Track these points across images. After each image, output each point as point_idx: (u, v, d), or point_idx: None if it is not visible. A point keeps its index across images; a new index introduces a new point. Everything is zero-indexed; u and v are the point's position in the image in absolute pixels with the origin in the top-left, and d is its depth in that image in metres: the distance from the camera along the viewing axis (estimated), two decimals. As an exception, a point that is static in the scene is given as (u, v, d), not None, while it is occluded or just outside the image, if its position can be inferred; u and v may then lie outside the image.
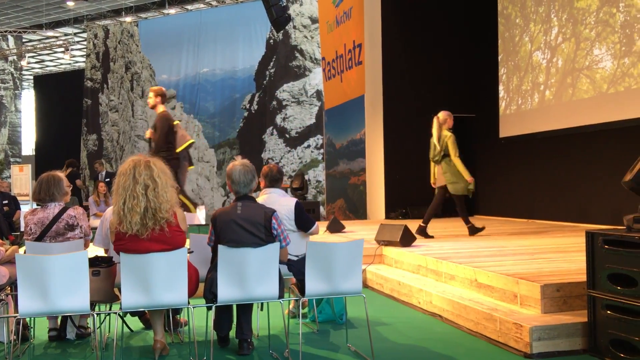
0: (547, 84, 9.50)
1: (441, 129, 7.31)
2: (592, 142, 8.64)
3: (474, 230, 7.58)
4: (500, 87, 10.70)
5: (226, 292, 3.70)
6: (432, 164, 7.54)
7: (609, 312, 3.66)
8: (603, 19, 8.30)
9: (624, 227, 3.71)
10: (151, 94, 7.42)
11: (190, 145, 7.47)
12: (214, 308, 3.83)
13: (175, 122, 7.40)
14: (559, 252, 5.86)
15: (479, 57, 11.39)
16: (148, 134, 7.49)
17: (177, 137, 7.29)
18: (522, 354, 3.83)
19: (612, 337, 3.64)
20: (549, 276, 4.44)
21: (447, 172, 7.27)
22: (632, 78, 7.81)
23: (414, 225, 7.51)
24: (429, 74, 11.52)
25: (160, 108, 7.36)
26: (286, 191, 5.11)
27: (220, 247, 3.70)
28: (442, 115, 7.42)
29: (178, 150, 7.27)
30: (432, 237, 7.38)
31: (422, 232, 7.39)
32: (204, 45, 20.41)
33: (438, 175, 7.39)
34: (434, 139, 7.37)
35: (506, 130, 10.57)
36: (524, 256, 5.61)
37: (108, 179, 11.65)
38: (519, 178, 10.27)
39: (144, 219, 3.63)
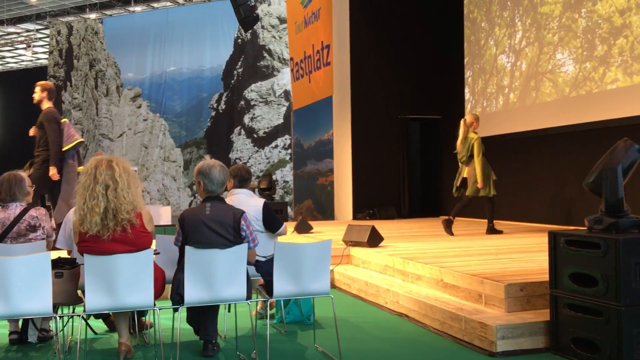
0: (511, 87, 9.68)
1: (468, 131, 7.59)
2: (554, 145, 8.84)
3: (492, 231, 7.89)
4: (466, 90, 10.86)
5: (193, 294, 3.66)
6: (460, 165, 7.81)
7: (570, 311, 3.75)
8: (566, 24, 8.50)
9: (586, 228, 3.80)
10: (37, 89, 7.12)
11: (79, 145, 7.31)
12: (180, 309, 3.79)
13: (62, 120, 7.25)
14: (522, 252, 5.97)
15: (446, 59, 11.55)
16: (32, 131, 7.26)
17: (63, 135, 7.12)
18: (487, 352, 3.89)
19: (573, 336, 3.73)
20: (513, 276, 4.53)
21: (472, 173, 7.59)
22: (593, 82, 8.02)
23: (381, 225, 7.57)
24: (397, 75, 11.63)
25: (46, 104, 7.11)
26: (254, 191, 5.09)
27: (187, 248, 3.66)
28: (469, 118, 7.71)
29: (65, 149, 7.10)
30: (501, 232, 7.83)
31: (492, 230, 7.82)
32: (171, 44, 20.19)
33: (468, 175, 7.67)
34: (458, 140, 7.67)
35: (472, 132, 10.72)
36: (488, 256, 5.70)
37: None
38: (484, 179, 10.42)
39: (104, 220, 3.57)
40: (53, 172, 6.96)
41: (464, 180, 7.70)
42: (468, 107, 10.82)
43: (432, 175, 11.97)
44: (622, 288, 3.44)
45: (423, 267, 5.29)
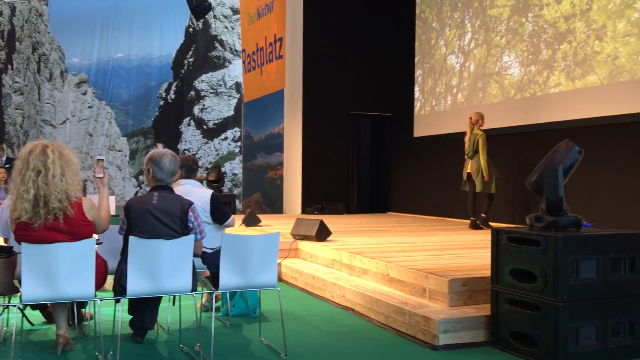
0: (459, 87, 9.88)
1: (473, 127, 7.93)
2: (499, 145, 9.06)
3: (474, 226, 8.08)
4: (416, 88, 11.02)
5: (136, 285, 3.58)
6: (466, 159, 8.10)
7: (510, 305, 3.86)
8: (513, 28, 8.73)
9: (527, 226, 3.91)
10: None
11: None
12: (122, 301, 3.70)
13: None
14: (466, 248, 6.11)
15: (397, 57, 11.68)
16: None
17: None
18: (429, 346, 3.97)
19: (512, 330, 3.84)
20: (456, 271, 4.63)
21: (477, 168, 7.88)
22: (537, 85, 8.27)
23: (329, 220, 7.60)
24: (349, 71, 11.69)
25: None
26: (202, 183, 5.02)
27: (131, 238, 3.57)
28: (474, 115, 8.01)
29: None
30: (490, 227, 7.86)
31: (485, 222, 7.97)
32: (119, 30, 19.63)
33: (472, 169, 7.96)
34: (466, 137, 8.03)
35: (420, 130, 10.90)
36: (433, 252, 5.81)
37: (8, 165, 10.97)
38: (431, 177, 10.63)
39: (35, 207, 3.45)
40: None
41: (469, 175, 8.03)
42: (417, 105, 10.98)
43: (381, 171, 12.10)
44: (560, 284, 3.56)
45: (370, 262, 5.34)
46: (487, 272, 4.19)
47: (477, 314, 4.09)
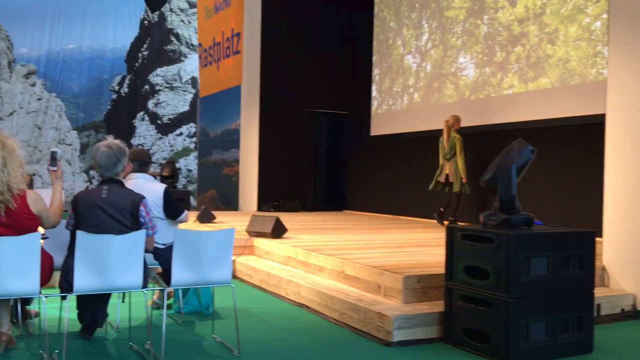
0: (416, 87, 9.98)
1: (450, 131, 8.02)
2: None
3: (440, 219, 8.23)
4: (373, 87, 11.07)
5: (83, 281, 3.45)
6: (441, 161, 8.19)
7: (463, 302, 3.90)
8: (469, 30, 8.86)
9: (481, 223, 3.96)
10: None
11: None
12: (69, 298, 3.56)
13: None
14: (420, 246, 6.17)
15: (356, 56, 11.71)
16: None
17: None
18: (384, 342, 3.97)
19: (465, 326, 3.88)
20: (411, 268, 4.65)
21: (455, 170, 7.99)
22: (491, 87, 8.41)
23: (285, 217, 7.55)
24: (307, 68, 11.66)
25: None
26: (155, 179, 4.89)
27: (79, 232, 3.44)
28: (450, 119, 8.09)
29: None
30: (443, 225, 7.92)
31: (441, 218, 8.17)
32: (71, 20, 19.06)
33: (450, 171, 8.04)
34: (444, 140, 8.11)
35: (377, 129, 10.96)
36: (388, 249, 5.84)
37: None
38: (387, 176, 10.70)
39: None
40: None
41: (447, 177, 8.09)
42: (375, 104, 11.04)
43: (338, 169, 12.11)
44: (512, 281, 3.61)
45: (325, 259, 5.32)
46: (442, 269, 4.23)
47: (431, 311, 4.12)
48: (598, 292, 4.33)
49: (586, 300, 3.91)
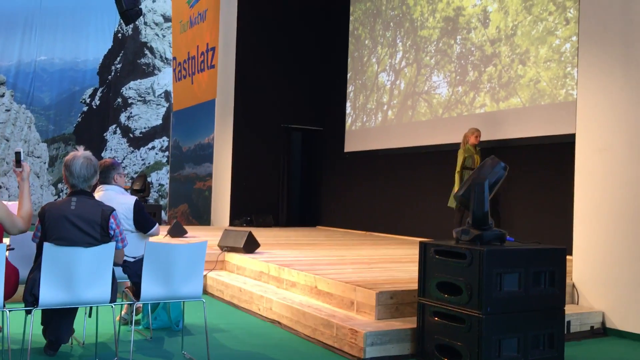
0: (390, 104, 10.06)
1: (462, 144, 7.64)
2: (427, 162, 9.28)
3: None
4: (348, 104, 11.13)
5: (49, 295, 3.35)
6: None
7: (436, 318, 3.90)
8: (442, 49, 8.99)
9: (454, 239, 3.98)
10: None
11: None
12: (34, 312, 3.45)
13: None
14: (394, 262, 6.16)
15: (330, 72, 11.77)
16: None
17: None
18: (356, 358, 3.93)
19: (437, 342, 3.87)
20: (384, 284, 4.64)
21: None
22: (464, 105, 8.52)
23: (258, 233, 7.49)
24: (282, 84, 11.67)
25: None
26: (126, 191, 4.80)
27: (46, 244, 3.35)
28: (467, 132, 7.69)
29: None
30: None
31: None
32: (43, 31, 18.81)
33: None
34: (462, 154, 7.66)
35: (351, 145, 11.00)
36: (361, 265, 5.82)
37: None
38: (360, 192, 10.72)
39: None
40: None
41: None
42: (349, 121, 11.09)
43: (311, 185, 12.10)
44: (484, 297, 3.62)
45: (298, 274, 5.28)
46: (415, 285, 4.22)
47: (403, 327, 4.10)
48: (568, 309, 4.37)
49: (557, 317, 3.94)
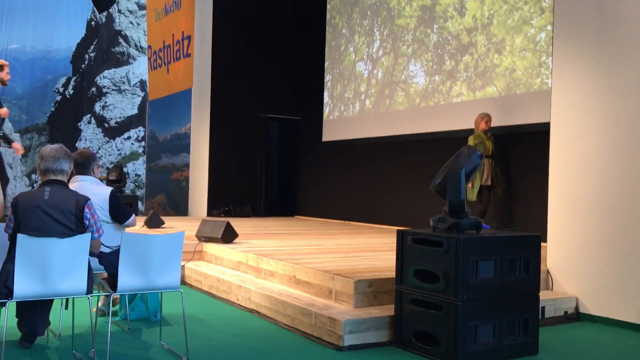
0: (367, 93, 10.07)
1: (475, 130, 7.24)
2: (405, 151, 9.33)
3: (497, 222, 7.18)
4: (325, 93, 11.11)
5: (24, 287, 3.31)
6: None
7: (413, 306, 3.93)
8: (419, 38, 9.01)
9: (431, 227, 4.01)
10: None
11: None
12: (8, 304, 3.40)
13: None
14: (372, 251, 6.20)
15: (308, 61, 11.73)
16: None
17: None
18: (334, 347, 3.96)
19: (414, 329, 3.91)
20: (362, 272, 4.67)
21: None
22: (440, 94, 8.57)
23: (236, 223, 7.48)
24: (259, 73, 11.60)
25: None
26: (102, 182, 4.73)
27: (19, 236, 3.30)
28: (477, 117, 7.30)
29: None
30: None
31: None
32: (14, 19, 18.39)
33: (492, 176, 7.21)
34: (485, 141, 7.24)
35: (329, 134, 11.00)
36: (340, 254, 5.84)
37: None
38: (338, 181, 10.74)
39: None
40: None
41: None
42: (326, 110, 11.08)
43: (289, 175, 12.08)
44: (461, 284, 3.66)
45: (277, 264, 5.28)
46: (392, 274, 4.25)
47: (381, 315, 4.13)
48: (542, 295, 4.44)
49: (532, 302, 4.01)
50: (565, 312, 4.97)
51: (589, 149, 5.00)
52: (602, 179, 4.90)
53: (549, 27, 6.89)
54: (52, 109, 18.12)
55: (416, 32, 9.07)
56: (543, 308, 4.77)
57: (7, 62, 6.80)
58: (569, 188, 5.15)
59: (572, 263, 5.11)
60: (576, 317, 5.00)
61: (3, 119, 6.69)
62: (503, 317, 3.84)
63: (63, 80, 18.16)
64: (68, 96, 18.05)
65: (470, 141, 7.14)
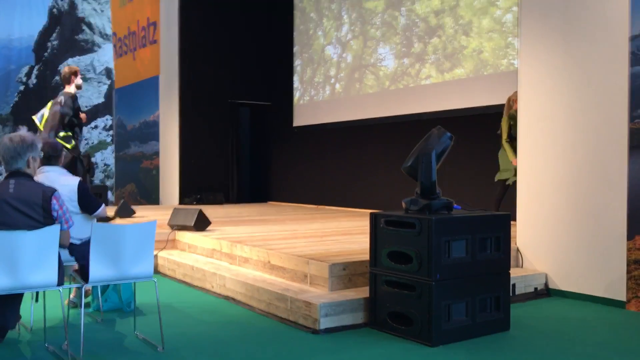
0: (337, 77, 10.05)
1: (506, 111, 6.49)
2: (376, 134, 9.36)
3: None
4: (295, 78, 11.06)
5: (-8, 281, 3.24)
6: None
7: (387, 287, 3.97)
8: (387, 21, 9.01)
9: (403, 209, 4.04)
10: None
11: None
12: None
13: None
14: (345, 234, 6.23)
15: (277, 46, 11.65)
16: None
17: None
18: (311, 330, 3.98)
19: (389, 310, 3.95)
20: (336, 256, 4.69)
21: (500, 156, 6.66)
22: (410, 77, 8.60)
23: (208, 210, 7.43)
24: (228, 59, 11.48)
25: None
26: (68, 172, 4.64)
27: (-15, 229, 3.23)
28: (511, 95, 6.48)
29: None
30: None
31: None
32: (-28, 7, 17.84)
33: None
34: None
35: (300, 119, 10.97)
36: (314, 239, 5.86)
37: None
38: (310, 166, 10.74)
39: None
40: None
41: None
42: (297, 95, 11.04)
43: (261, 161, 12.04)
44: (433, 264, 3.71)
45: (251, 250, 5.27)
46: (367, 256, 4.28)
47: (356, 297, 4.16)
48: (513, 272, 4.54)
49: (503, 280, 4.08)
50: (536, 289, 5.08)
51: (556, 127, 5.09)
52: (568, 158, 5.00)
53: (515, 8, 6.95)
54: (16, 98, 17.70)
55: (384, 15, 9.06)
56: (514, 285, 4.87)
57: (78, 67, 6.85)
58: (537, 167, 5.23)
59: (541, 240, 5.21)
60: (546, 292, 5.12)
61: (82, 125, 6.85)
62: (475, 296, 3.90)
63: (26, 69, 17.73)
64: (31, 86, 17.64)
65: (505, 122, 6.44)
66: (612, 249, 4.69)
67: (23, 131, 3.66)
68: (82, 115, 6.83)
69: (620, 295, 4.64)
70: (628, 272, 4.58)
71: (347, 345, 3.72)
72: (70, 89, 6.61)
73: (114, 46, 14.15)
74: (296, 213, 9.10)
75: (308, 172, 10.80)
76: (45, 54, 17.48)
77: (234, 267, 5.41)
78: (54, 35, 17.50)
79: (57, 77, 17.19)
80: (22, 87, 17.68)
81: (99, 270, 3.53)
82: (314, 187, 10.65)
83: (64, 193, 3.92)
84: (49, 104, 6.64)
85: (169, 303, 4.82)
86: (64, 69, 6.76)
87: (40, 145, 3.69)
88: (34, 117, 6.75)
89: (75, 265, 3.94)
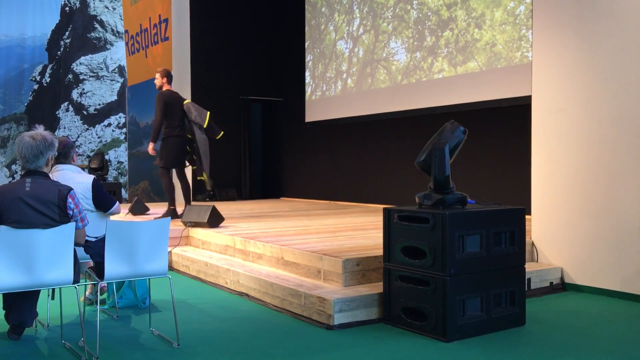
0: (349, 72, 10.02)
1: None
2: (388, 129, 9.32)
3: None
4: (307, 73, 11.04)
5: (9, 279, 3.27)
6: None
7: (401, 282, 3.96)
8: (399, 15, 8.96)
9: (417, 204, 4.02)
10: (157, 75, 7.70)
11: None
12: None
13: (185, 101, 7.64)
14: (358, 229, 6.22)
15: (288, 42, 11.63)
16: None
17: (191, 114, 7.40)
18: (325, 326, 3.98)
19: (403, 305, 3.95)
20: (350, 251, 4.68)
21: None
22: (422, 71, 8.56)
23: (221, 207, 7.45)
24: (239, 55, 11.48)
25: (166, 87, 7.70)
26: (83, 170, 4.67)
27: (2, 228, 3.25)
28: None
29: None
30: None
31: None
32: (-15, 7, 17.99)
33: None
34: None
35: (312, 115, 10.96)
36: (327, 234, 5.85)
37: None
38: (323, 161, 10.73)
39: None
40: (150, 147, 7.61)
41: None
42: (308, 90, 11.02)
43: (273, 157, 12.04)
44: (448, 259, 3.69)
45: (264, 246, 5.28)
46: (380, 252, 4.27)
47: (370, 292, 4.16)
48: (528, 266, 4.50)
49: (518, 275, 4.06)
50: (551, 283, 5.05)
51: (571, 120, 5.04)
52: (583, 150, 4.94)
53: (528, 0, 6.88)
54: (30, 97, 17.85)
55: (396, 8, 9.01)
56: (529, 279, 4.84)
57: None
58: (551, 160, 5.19)
59: (556, 234, 5.17)
60: (562, 287, 5.08)
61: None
62: (490, 290, 3.88)
63: (39, 68, 17.87)
64: (45, 84, 17.78)
65: None
66: (628, 243, 4.64)
67: (41, 129, 3.68)
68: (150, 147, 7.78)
69: (637, 289, 4.59)
70: (645, 265, 4.53)
71: (362, 341, 3.72)
72: None
73: (126, 44, 14.21)
74: (309, 209, 9.10)
75: (320, 168, 10.79)
76: (58, 52, 17.60)
77: (248, 263, 5.43)
78: (67, 33, 17.61)
79: (69, 75, 17.32)
80: (36, 86, 17.82)
81: (114, 268, 3.55)
82: (326, 182, 10.64)
83: (78, 191, 3.95)
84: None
85: (184, 299, 4.85)
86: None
87: (56, 144, 3.72)
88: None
89: (91, 263, 3.97)
